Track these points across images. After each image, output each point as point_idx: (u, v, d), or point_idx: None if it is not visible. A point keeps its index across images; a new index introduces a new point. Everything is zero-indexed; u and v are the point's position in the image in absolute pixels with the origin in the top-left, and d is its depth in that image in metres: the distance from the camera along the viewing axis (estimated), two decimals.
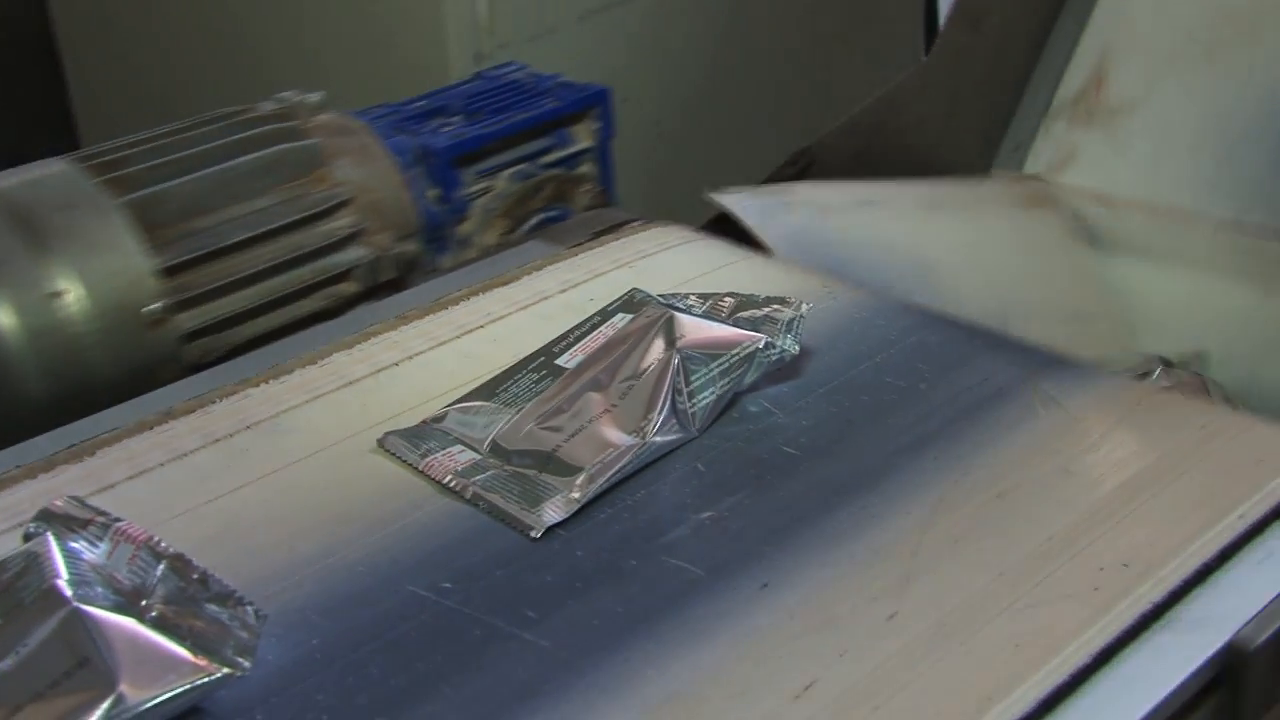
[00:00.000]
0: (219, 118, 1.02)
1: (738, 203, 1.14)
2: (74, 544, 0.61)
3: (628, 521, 0.70)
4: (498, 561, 0.67)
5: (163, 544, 0.62)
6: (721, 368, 0.76)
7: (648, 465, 0.73)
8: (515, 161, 1.11)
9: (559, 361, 0.79)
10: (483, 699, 0.58)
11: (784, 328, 0.79)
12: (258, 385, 0.83)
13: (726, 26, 1.79)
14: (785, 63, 1.88)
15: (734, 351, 0.77)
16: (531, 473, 0.72)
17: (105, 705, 0.54)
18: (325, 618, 0.64)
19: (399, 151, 1.06)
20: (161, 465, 0.76)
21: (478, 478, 0.72)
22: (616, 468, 0.71)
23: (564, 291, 0.93)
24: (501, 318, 0.90)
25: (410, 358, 0.86)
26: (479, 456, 0.74)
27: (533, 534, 0.68)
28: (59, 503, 0.65)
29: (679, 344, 0.76)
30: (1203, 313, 1.24)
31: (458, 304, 0.92)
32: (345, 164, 1.02)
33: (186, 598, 0.60)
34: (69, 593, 0.57)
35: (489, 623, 0.63)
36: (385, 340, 0.88)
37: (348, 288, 1.02)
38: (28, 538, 0.62)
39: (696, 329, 0.77)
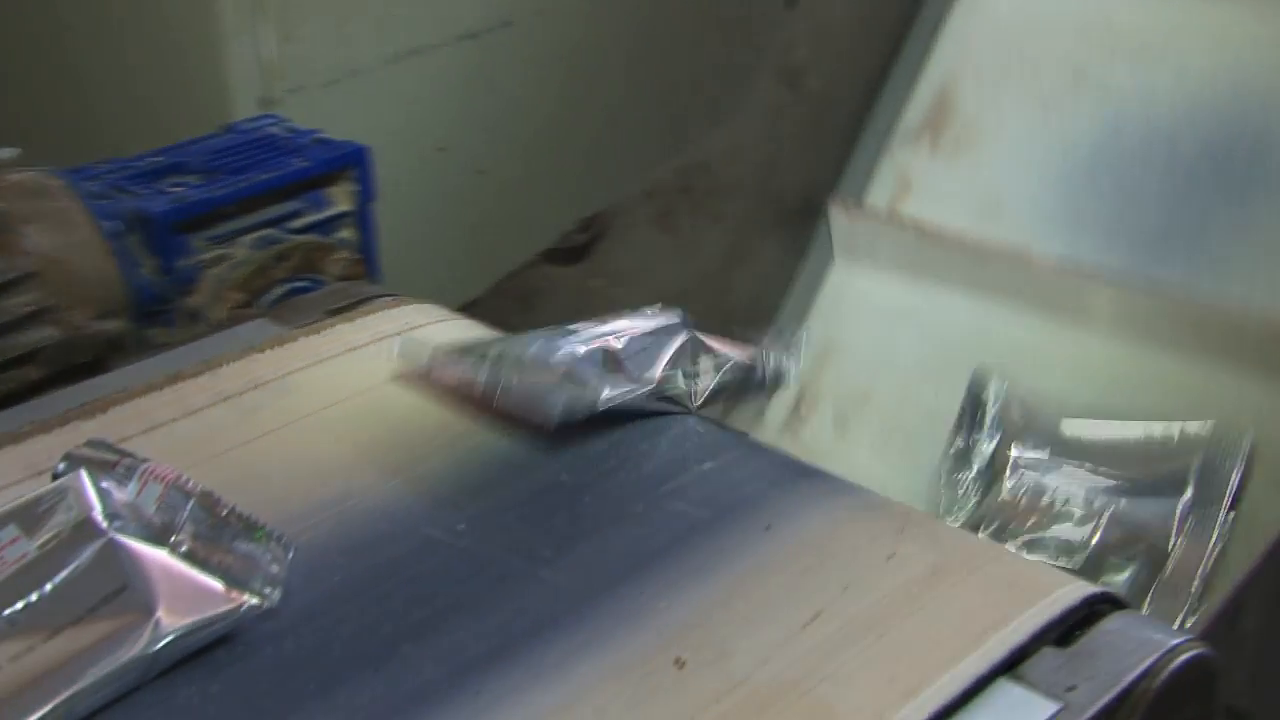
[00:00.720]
0: None
1: None
2: (104, 483, 0.62)
3: (633, 470, 0.72)
4: (509, 505, 0.70)
5: (190, 483, 0.64)
6: (722, 363, 0.79)
7: (646, 422, 0.76)
8: (257, 226, 1.00)
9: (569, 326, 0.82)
10: (505, 628, 0.61)
11: (782, 351, 0.82)
12: (263, 351, 0.85)
13: (553, 71, 1.67)
14: (616, 108, 1.77)
15: (736, 356, 0.80)
16: (545, 378, 0.74)
17: (148, 630, 0.56)
18: (345, 557, 0.66)
19: (109, 216, 0.93)
20: (174, 421, 0.78)
21: (491, 378, 0.75)
22: (628, 387, 0.74)
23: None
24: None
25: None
26: (491, 367, 0.76)
27: (554, 414, 0.71)
28: (84, 447, 0.67)
29: (690, 332, 0.79)
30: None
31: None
32: (35, 231, 0.90)
33: (215, 533, 0.62)
34: (104, 524, 0.59)
35: (505, 560, 0.65)
36: (386, 315, 0.91)
37: (32, 372, 0.90)
38: (57, 477, 0.64)
39: (705, 331, 0.80)
